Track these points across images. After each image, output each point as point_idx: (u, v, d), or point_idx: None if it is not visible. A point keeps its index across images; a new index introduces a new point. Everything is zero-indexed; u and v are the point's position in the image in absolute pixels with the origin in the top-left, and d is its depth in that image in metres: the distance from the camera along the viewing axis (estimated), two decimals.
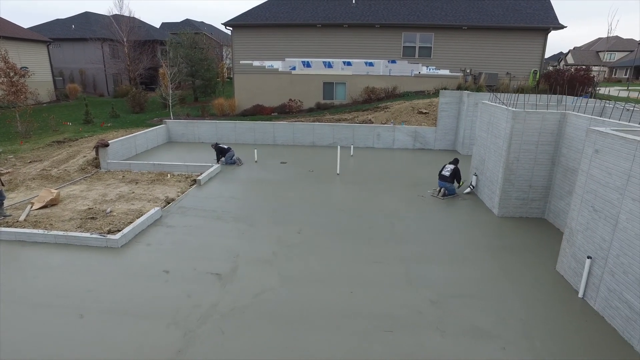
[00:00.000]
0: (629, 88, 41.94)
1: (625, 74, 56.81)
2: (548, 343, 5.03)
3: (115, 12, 33.24)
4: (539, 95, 16.29)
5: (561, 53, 73.01)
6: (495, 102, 11.12)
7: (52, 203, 9.81)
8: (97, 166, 13.51)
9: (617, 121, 7.33)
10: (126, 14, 32.94)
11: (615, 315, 5.35)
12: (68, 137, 17.39)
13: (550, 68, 23.20)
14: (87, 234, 7.78)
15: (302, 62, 22.49)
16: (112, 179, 12.24)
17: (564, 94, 17.50)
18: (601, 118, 7.57)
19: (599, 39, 69.52)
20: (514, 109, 8.83)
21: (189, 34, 29.06)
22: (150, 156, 15.19)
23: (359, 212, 9.49)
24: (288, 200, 10.35)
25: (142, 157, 14.93)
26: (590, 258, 5.91)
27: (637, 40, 61.27)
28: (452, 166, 10.94)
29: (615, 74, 60.82)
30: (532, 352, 4.88)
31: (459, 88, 20.20)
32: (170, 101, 20.46)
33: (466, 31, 21.25)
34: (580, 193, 6.27)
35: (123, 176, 12.49)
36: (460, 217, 9.34)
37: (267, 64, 22.69)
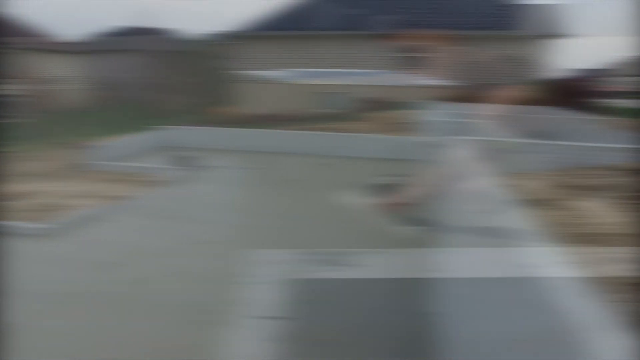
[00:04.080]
0: None
1: None
2: None
3: (141, 25, 35.88)
4: None
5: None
6: None
7: None
8: (82, 165, 14.74)
9: None
10: (153, 26, 35.51)
11: None
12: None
13: None
14: None
15: (304, 72, 23.00)
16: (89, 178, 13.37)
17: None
18: None
19: None
20: None
21: (211, 44, 30.65)
22: (139, 159, 16.28)
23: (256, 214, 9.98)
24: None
25: (129, 160, 16.04)
26: None
27: None
28: None
29: None
30: None
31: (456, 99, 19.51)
32: (179, 108, 21.79)
33: (469, 40, 20.49)
34: None
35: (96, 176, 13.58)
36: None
37: (270, 73, 23.46)
